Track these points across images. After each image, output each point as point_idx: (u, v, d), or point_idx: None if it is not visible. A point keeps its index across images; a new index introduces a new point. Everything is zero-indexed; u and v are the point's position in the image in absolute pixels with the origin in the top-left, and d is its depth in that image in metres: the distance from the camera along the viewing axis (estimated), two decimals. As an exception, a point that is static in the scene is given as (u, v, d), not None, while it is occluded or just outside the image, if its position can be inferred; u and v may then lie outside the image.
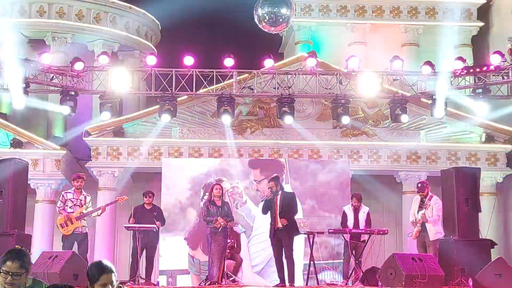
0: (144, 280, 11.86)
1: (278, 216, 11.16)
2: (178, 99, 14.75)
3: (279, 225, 11.08)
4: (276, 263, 11.35)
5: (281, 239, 11.16)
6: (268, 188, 11.41)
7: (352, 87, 14.21)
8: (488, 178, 16.99)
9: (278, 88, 14.21)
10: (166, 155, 16.84)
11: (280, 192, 11.36)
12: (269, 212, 11.32)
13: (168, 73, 13.81)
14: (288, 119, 14.08)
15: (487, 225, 13.49)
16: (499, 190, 17.40)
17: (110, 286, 4.03)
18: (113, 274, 4.05)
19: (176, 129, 17.02)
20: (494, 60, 13.22)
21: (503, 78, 13.39)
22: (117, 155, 16.92)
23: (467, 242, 11.27)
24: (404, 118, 14.11)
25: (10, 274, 4.04)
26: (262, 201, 11.52)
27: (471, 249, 11.07)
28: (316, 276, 12.09)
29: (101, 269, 4.02)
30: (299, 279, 13.02)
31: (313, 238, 11.90)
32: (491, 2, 20.57)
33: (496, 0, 20.51)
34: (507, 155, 17.39)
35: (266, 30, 12.07)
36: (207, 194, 15.15)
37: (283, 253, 11.15)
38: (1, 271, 4.05)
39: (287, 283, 11.06)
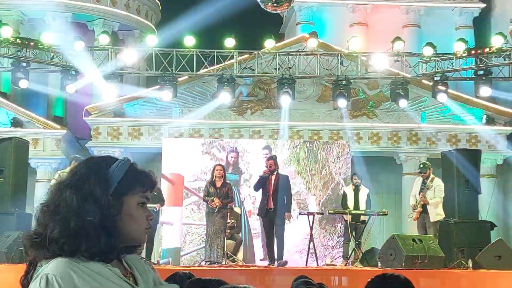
0: (144, 260, 11.89)
1: (271, 196, 11.19)
2: (179, 79, 14.72)
3: (271, 205, 11.12)
4: (267, 243, 11.41)
5: (273, 219, 11.21)
6: (267, 166, 11.40)
7: (353, 68, 14.18)
8: (489, 160, 17.01)
9: (278, 69, 14.17)
10: (166, 135, 16.83)
11: (275, 173, 11.39)
12: (260, 190, 11.37)
13: (169, 53, 13.77)
14: (288, 100, 14.06)
15: (487, 207, 13.52)
16: (499, 172, 17.43)
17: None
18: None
19: (177, 110, 17.00)
20: (496, 41, 13.17)
21: (504, 60, 13.35)
22: (117, 135, 16.91)
23: (466, 224, 11.30)
24: (403, 102, 14.09)
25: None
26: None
27: (470, 230, 11.11)
28: (316, 257, 12.14)
29: None
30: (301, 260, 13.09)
31: (313, 218, 11.94)
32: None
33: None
34: (507, 137, 17.40)
35: (268, 10, 11.99)
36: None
37: (274, 233, 11.20)
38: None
39: (275, 263, 11.11)
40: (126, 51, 13.82)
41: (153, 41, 13.76)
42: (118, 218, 1.95)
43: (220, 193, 11.51)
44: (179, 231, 14.85)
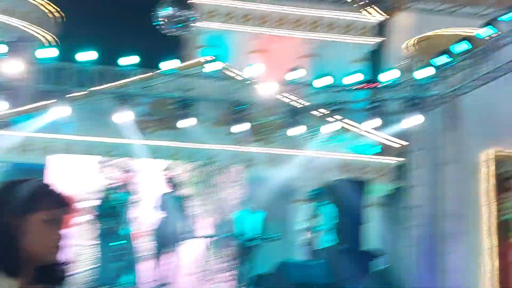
0: None
1: (168, 217, 11.18)
2: (75, 94, 14.40)
3: (169, 226, 11.10)
4: (158, 264, 11.38)
5: (169, 240, 11.20)
6: (166, 187, 11.37)
7: (251, 94, 14.38)
8: (379, 190, 17.51)
9: (178, 90, 14.15)
10: (59, 151, 16.30)
11: (173, 194, 11.40)
12: (156, 210, 11.36)
13: (65, 67, 13.47)
14: (187, 122, 14.06)
15: (376, 236, 13.94)
16: (388, 202, 17.97)
17: None
18: None
19: (70, 126, 16.51)
20: (387, 76, 13.73)
21: (394, 95, 13.93)
22: (3, 150, 16.21)
23: (349, 252, 11.64)
24: (299, 129, 14.41)
25: None
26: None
27: (352, 259, 11.43)
28: (207, 280, 12.12)
29: None
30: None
31: (206, 241, 11.94)
32: (390, 18, 21.39)
33: (395, 18, 21.37)
34: (397, 168, 18.01)
35: (167, 32, 12.03)
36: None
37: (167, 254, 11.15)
38: None
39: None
40: (15, 61, 13.38)
41: (50, 53, 13.42)
42: (20, 236, 1.99)
43: (110, 213, 11.36)
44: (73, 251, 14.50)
